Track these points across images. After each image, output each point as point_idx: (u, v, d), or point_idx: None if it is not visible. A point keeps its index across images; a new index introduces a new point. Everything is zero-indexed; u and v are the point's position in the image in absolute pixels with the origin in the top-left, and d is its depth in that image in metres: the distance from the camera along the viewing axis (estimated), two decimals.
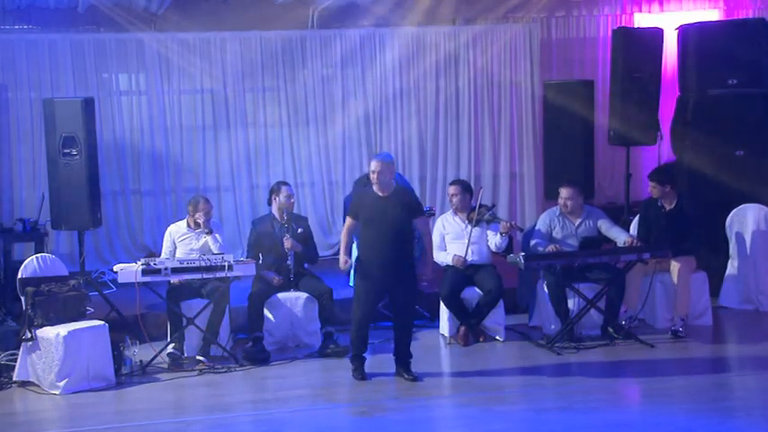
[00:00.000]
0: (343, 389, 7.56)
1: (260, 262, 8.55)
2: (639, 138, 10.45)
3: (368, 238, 7.50)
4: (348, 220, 7.72)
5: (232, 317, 8.47)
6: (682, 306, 8.65)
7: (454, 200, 8.72)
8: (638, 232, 9.04)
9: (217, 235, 8.44)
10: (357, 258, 7.65)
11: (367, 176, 9.81)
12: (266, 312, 8.40)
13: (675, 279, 8.64)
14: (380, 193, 7.52)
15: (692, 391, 7.18)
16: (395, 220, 7.45)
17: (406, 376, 7.57)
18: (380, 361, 7.92)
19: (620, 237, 8.53)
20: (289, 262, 8.47)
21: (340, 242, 7.91)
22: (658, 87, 10.44)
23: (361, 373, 7.59)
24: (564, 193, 8.62)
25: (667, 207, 8.91)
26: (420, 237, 7.97)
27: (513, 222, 8.63)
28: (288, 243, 8.43)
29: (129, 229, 10.86)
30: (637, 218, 9.32)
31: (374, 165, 7.52)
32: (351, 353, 7.71)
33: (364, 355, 7.68)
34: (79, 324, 7.66)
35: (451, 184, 8.93)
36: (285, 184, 8.77)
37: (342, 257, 7.70)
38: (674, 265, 8.64)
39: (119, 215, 10.82)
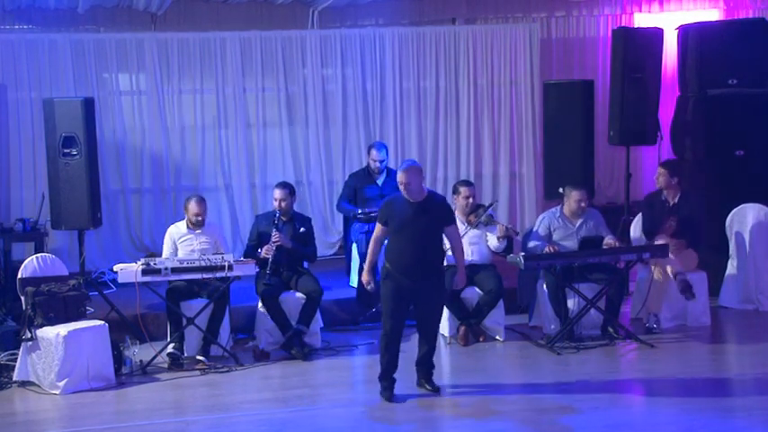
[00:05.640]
0: (343, 389, 7.57)
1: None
2: (639, 138, 10.43)
3: (397, 245, 7.11)
4: (377, 227, 7.30)
5: (232, 317, 8.48)
6: (654, 303, 8.70)
7: (469, 201, 8.61)
8: (643, 227, 9.10)
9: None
10: (383, 266, 7.22)
11: (363, 170, 9.83)
12: (265, 313, 8.40)
13: (661, 276, 8.66)
14: (412, 200, 7.08)
15: (692, 392, 7.19)
16: (426, 227, 7.09)
17: (428, 387, 7.35)
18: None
19: (606, 238, 8.55)
20: (269, 255, 8.36)
21: (367, 254, 7.39)
22: (658, 87, 10.41)
23: (389, 394, 7.15)
24: (577, 195, 8.59)
25: (671, 201, 8.98)
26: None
27: (508, 226, 8.63)
28: (275, 237, 8.37)
29: (130, 228, 10.85)
30: (639, 216, 9.33)
31: (402, 176, 7.03)
32: (380, 369, 7.23)
33: (394, 376, 7.21)
34: (79, 324, 7.66)
35: (465, 185, 8.75)
36: (279, 186, 8.69)
37: (366, 276, 7.33)
38: (671, 261, 8.67)
39: (119, 215, 10.79)
